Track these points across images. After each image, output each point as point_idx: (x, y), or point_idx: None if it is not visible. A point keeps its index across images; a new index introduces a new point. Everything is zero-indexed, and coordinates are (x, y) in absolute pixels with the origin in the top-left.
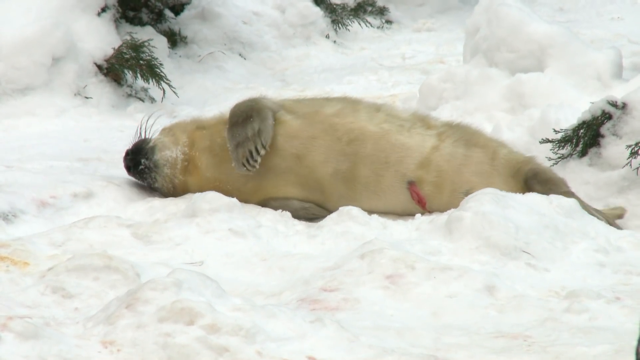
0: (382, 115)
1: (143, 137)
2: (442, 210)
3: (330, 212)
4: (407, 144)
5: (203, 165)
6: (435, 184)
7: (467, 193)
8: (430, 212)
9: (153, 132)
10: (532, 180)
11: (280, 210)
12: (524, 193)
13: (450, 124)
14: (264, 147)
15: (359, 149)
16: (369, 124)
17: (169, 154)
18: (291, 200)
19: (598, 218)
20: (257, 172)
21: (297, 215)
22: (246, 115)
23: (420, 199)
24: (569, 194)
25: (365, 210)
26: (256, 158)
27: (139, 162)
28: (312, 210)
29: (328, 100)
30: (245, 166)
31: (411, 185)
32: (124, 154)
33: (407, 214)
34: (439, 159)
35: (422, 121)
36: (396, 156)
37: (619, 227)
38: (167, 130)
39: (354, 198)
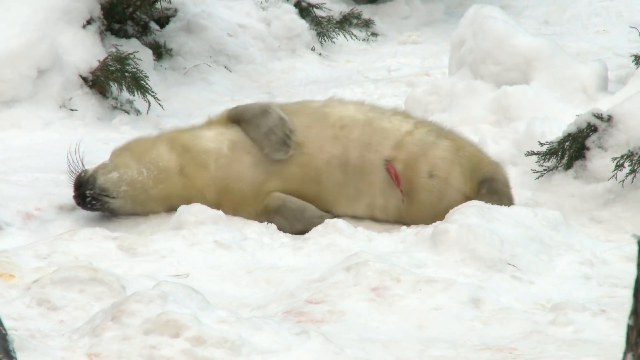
0: (366, 106)
1: (78, 170)
2: (407, 189)
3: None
4: (386, 127)
5: (212, 167)
6: (404, 162)
7: (429, 174)
8: (402, 191)
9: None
10: (485, 183)
11: (276, 214)
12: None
13: (430, 121)
14: (291, 132)
15: (349, 133)
16: (356, 112)
17: (120, 172)
18: (309, 206)
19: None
20: (265, 165)
21: (312, 223)
22: (262, 109)
23: (396, 175)
24: None
25: (352, 196)
26: (289, 143)
27: (84, 194)
28: (310, 212)
29: (312, 100)
30: (281, 150)
31: (387, 163)
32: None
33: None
34: (411, 142)
35: (402, 113)
36: (377, 138)
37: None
38: (114, 155)
39: (346, 183)
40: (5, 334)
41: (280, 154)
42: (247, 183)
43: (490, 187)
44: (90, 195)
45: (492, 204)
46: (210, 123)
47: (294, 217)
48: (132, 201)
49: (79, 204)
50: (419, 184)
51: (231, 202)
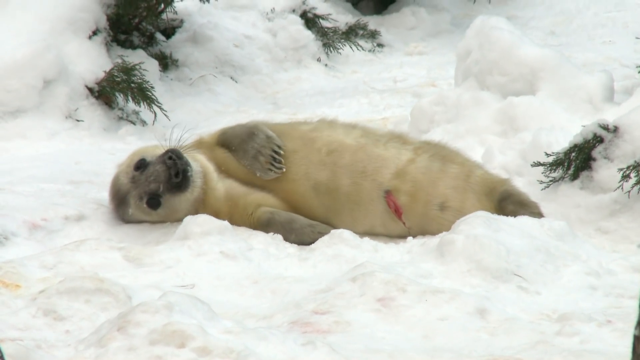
0: (358, 131)
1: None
2: (415, 222)
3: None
4: (383, 155)
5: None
6: (410, 194)
7: (441, 206)
8: (405, 223)
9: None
10: (506, 200)
11: (282, 228)
12: (496, 213)
13: (427, 142)
14: (280, 148)
15: (338, 159)
16: (346, 137)
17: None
18: (296, 216)
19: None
20: (250, 189)
21: (303, 232)
22: (248, 132)
23: (397, 208)
24: (539, 216)
25: (348, 223)
26: (279, 159)
27: (181, 170)
28: (319, 228)
29: (303, 122)
30: (272, 170)
31: (387, 194)
32: (164, 156)
33: (390, 234)
34: (415, 170)
35: (398, 138)
36: (373, 166)
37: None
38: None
39: (339, 210)
40: None
41: (271, 173)
42: (234, 198)
43: (514, 201)
44: (183, 174)
45: (524, 215)
46: (200, 143)
47: (284, 229)
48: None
49: (169, 169)
50: (429, 217)
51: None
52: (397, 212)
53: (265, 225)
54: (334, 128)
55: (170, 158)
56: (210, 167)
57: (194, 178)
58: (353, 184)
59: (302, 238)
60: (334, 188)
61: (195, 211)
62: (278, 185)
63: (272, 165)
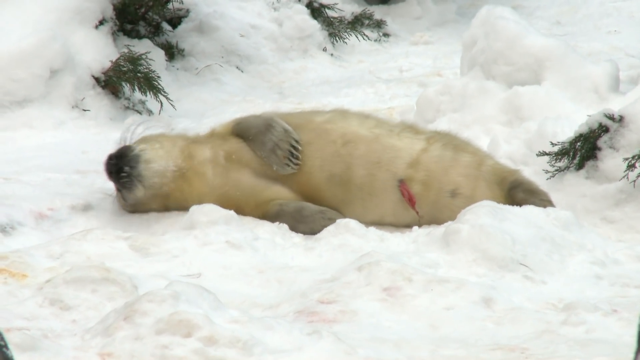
0: (371, 122)
1: (127, 144)
2: (427, 210)
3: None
4: (397, 145)
5: (209, 174)
6: (423, 183)
7: (452, 193)
8: (418, 212)
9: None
10: (516, 189)
11: (292, 217)
12: (506, 202)
13: (439, 132)
14: (297, 143)
15: (353, 150)
16: (360, 128)
17: (158, 164)
18: (305, 203)
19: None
20: (262, 180)
21: (314, 219)
22: (265, 123)
23: (410, 196)
24: (549, 204)
25: (359, 213)
26: (296, 155)
27: (122, 169)
28: (329, 214)
29: (317, 112)
30: (289, 165)
31: (401, 183)
32: (106, 158)
33: (399, 223)
34: (428, 159)
35: (410, 128)
36: (387, 157)
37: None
38: (153, 140)
39: (350, 201)
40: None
41: (288, 169)
42: (246, 193)
43: (525, 189)
44: (127, 173)
45: (534, 204)
46: (212, 134)
47: (294, 219)
48: (152, 194)
49: (110, 172)
50: (441, 204)
51: (230, 209)
52: (410, 200)
53: (274, 217)
54: (348, 119)
55: (110, 159)
56: (191, 159)
57: (142, 177)
58: (368, 175)
59: (312, 226)
60: (347, 179)
61: (176, 200)
62: (291, 177)
63: (290, 160)
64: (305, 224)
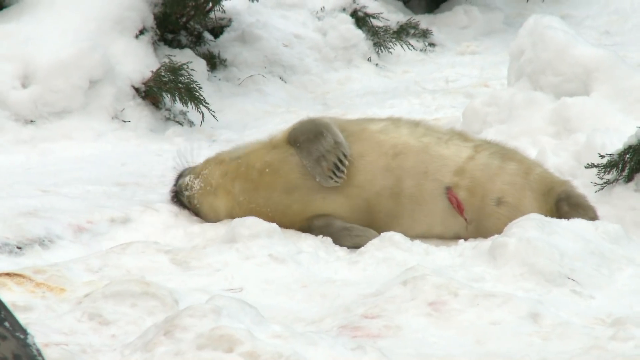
0: (421, 130)
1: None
2: (472, 217)
3: (376, 231)
4: (444, 154)
5: (236, 190)
6: (468, 189)
7: (498, 201)
8: (467, 219)
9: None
10: (563, 201)
11: (321, 233)
12: (552, 213)
13: (487, 140)
14: (345, 157)
15: (403, 162)
16: (410, 138)
17: (189, 179)
18: (334, 220)
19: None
20: (302, 194)
21: (340, 236)
22: (317, 131)
23: (458, 203)
24: (595, 220)
25: (407, 226)
26: (342, 169)
27: (172, 190)
28: (355, 231)
29: (372, 119)
30: (332, 178)
31: (449, 190)
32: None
33: (447, 233)
34: (474, 167)
35: (460, 135)
36: (434, 165)
37: None
38: (206, 161)
39: (400, 213)
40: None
41: (331, 182)
42: (278, 209)
43: (571, 203)
44: (173, 191)
45: (579, 217)
46: (271, 143)
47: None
48: (191, 207)
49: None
50: (486, 212)
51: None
52: (459, 207)
53: (306, 232)
54: (400, 127)
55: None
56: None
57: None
58: (416, 185)
59: (340, 242)
60: (398, 192)
61: (208, 216)
62: (341, 190)
63: (334, 173)
64: (333, 240)
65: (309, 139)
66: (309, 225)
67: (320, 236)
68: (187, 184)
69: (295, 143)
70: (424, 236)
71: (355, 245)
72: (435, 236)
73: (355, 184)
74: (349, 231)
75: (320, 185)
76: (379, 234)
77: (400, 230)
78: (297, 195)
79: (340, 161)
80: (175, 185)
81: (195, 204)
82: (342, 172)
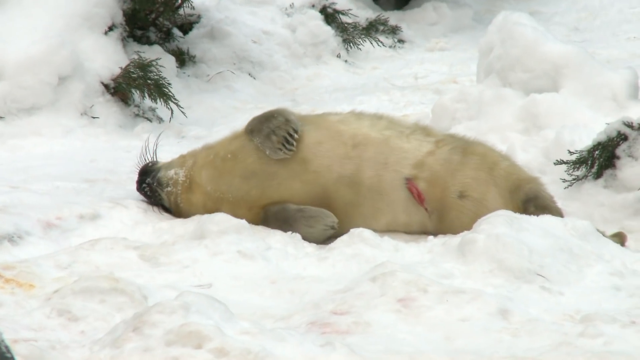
0: (383, 123)
1: (150, 158)
2: (434, 208)
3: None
4: (404, 147)
5: (203, 180)
6: (428, 181)
7: (460, 194)
8: (427, 209)
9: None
10: (530, 202)
11: (276, 219)
12: (518, 211)
13: (453, 135)
14: (295, 132)
15: (362, 153)
16: (371, 130)
17: (170, 173)
18: (288, 205)
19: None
20: (260, 179)
21: (295, 219)
22: (269, 114)
23: (419, 193)
24: None
25: (370, 215)
26: (292, 141)
27: (144, 181)
28: (309, 212)
29: (333, 112)
30: (282, 150)
31: (408, 181)
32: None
33: (412, 223)
34: (433, 162)
35: (423, 130)
36: (394, 158)
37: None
38: (180, 156)
39: (360, 202)
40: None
41: (280, 153)
42: (238, 195)
43: (537, 205)
44: (148, 185)
45: None
46: (235, 133)
47: (278, 221)
48: (170, 202)
49: (138, 189)
50: (448, 204)
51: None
52: (419, 197)
53: (263, 222)
54: (361, 119)
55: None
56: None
57: (158, 191)
58: (375, 176)
59: (296, 226)
60: (357, 181)
61: (188, 211)
62: (298, 175)
63: (284, 145)
64: (288, 225)
65: (261, 121)
66: (265, 214)
67: (289, 232)
68: (171, 178)
69: (249, 128)
70: (390, 226)
71: (310, 227)
72: (401, 225)
73: (312, 169)
74: (302, 212)
75: (277, 172)
76: (336, 218)
77: (362, 219)
78: (255, 181)
79: (290, 135)
80: (152, 179)
81: (176, 201)
82: (292, 144)
